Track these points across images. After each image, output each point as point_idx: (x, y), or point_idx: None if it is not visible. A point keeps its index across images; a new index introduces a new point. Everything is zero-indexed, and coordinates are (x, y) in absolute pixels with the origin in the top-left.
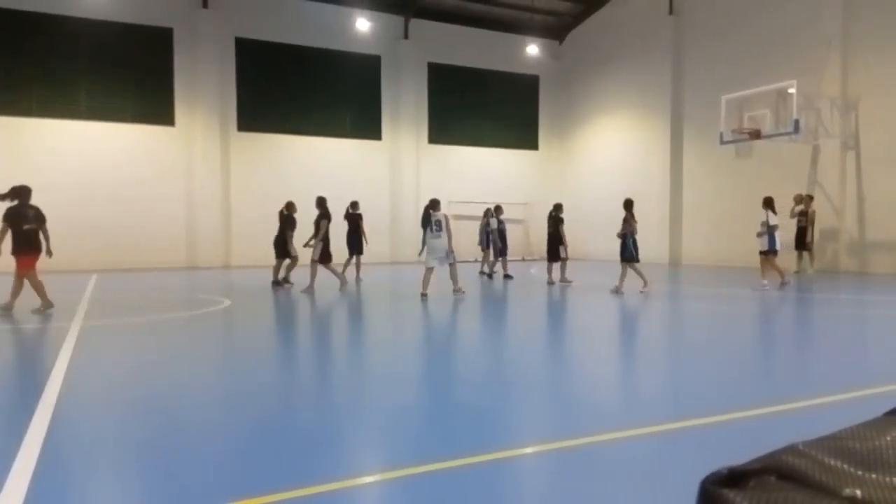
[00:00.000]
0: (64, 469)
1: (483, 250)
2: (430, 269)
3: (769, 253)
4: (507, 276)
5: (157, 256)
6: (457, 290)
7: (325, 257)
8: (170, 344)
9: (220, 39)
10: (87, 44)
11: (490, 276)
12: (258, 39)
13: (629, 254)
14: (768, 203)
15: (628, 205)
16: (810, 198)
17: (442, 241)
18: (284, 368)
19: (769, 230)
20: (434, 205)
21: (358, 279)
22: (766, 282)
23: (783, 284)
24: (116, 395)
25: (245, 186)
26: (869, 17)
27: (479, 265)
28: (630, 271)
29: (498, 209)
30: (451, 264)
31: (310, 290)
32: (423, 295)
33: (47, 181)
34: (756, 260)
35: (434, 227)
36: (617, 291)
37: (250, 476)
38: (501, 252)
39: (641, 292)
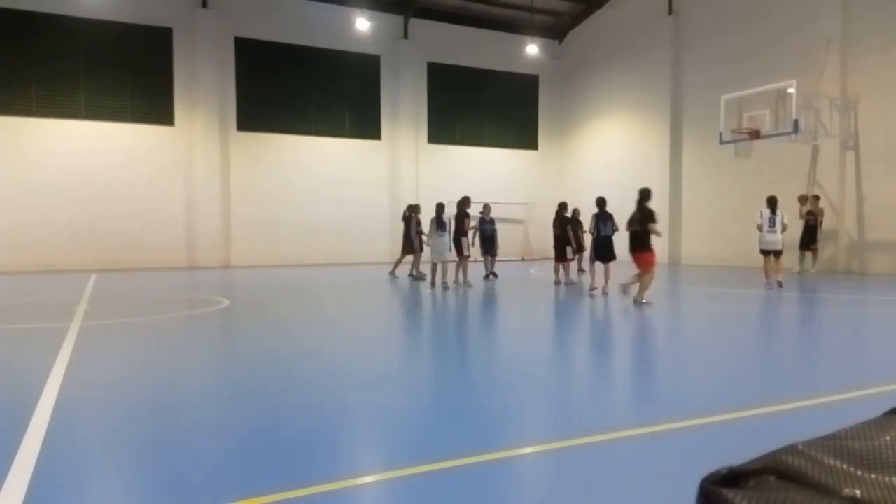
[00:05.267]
0: (63, 469)
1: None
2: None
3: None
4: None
5: (156, 256)
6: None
7: None
8: (169, 344)
9: (219, 39)
10: (87, 44)
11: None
12: (258, 39)
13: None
14: (768, 202)
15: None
16: (816, 198)
17: (444, 240)
18: (284, 368)
19: (758, 228)
20: (441, 208)
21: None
22: (768, 280)
23: (768, 286)
24: (116, 395)
25: (245, 186)
26: (869, 17)
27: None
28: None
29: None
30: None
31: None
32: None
33: (46, 181)
34: (759, 259)
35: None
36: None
37: (250, 476)
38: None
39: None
